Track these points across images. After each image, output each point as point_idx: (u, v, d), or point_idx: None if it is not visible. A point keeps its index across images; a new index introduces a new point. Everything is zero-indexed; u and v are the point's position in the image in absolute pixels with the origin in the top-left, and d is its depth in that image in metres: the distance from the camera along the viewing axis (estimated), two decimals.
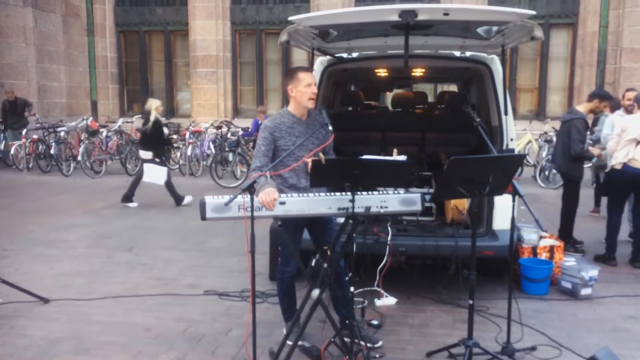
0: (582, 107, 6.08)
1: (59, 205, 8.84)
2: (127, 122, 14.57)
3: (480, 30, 4.30)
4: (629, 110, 6.26)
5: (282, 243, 3.87)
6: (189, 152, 12.07)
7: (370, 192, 3.42)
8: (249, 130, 11.70)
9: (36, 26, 14.42)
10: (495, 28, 4.15)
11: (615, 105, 7.02)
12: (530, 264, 4.89)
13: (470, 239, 3.45)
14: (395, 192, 3.50)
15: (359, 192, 3.27)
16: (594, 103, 6.02)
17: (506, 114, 4.69)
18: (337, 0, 14.42)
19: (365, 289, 4.52)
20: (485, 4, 13.10)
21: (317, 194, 3.39)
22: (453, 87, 9.76)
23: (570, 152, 5.90)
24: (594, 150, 6.16)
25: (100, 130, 13.40)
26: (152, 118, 8.40)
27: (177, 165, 12.79)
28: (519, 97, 14.91)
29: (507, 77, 5.25)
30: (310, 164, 3.28)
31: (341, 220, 3.46)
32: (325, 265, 3.27)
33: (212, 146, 12.26)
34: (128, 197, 8.70)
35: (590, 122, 6.74)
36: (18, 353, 3.69)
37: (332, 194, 3.36)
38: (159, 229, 7.27)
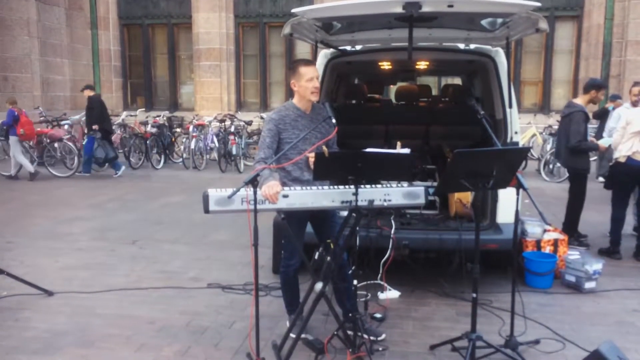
0: (580, 100, 6.04)
1: (63, 199, 8.87)
2: (131, 115, 14.59)
3: (484, 22, 4.27)
4: (634, 104, 6.21)
5: (285, 236, 3.87)
6: (192, 146, 12.10)
7: (373, 185, 3.41)
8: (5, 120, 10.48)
9: (39, 19, 14.43)
10: (499, 20, 4.12)
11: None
12: (534, 258, 4.87)
13: (474, 232, 3.44)
14: (399, 185, 3.48)
15: (362, 185, 3.26)
16: (592, 94, 5.98)
17: (510, 106, 4.66)
18: None
19: (369, 282, 4.52)
20: None
21: (320, 187, 3.38)
22: (457, 80, 9.71)
23: (568, 144, 5.86)
24: (596, 141, 6.09)
25: None
26: None
27: (181, 159, 12.82)
28: (523, 90, 14.84)
29: (511, 70, 5.22)
30: (312, 158, 3.27)
31: (344, 213, 3.46)
32: (329, 258, 3.27)
33: (215, 140, 12.25)
34: None
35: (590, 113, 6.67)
36: (22, 345, 3.70)
37: (336, 187, 3.35)
38: (163, 222, 7.28)
